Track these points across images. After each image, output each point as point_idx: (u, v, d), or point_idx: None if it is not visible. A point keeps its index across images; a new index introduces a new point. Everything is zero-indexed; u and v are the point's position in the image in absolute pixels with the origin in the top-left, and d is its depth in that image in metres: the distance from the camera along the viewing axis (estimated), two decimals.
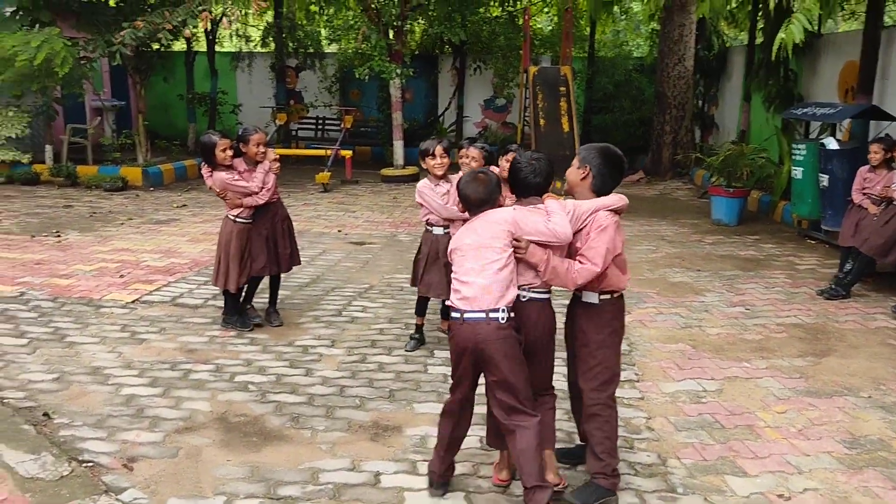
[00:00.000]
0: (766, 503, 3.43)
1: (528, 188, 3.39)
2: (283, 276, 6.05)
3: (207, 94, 16.37)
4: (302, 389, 4.63)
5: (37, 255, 7.74)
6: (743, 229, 9.59)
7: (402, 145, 14.16)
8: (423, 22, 16.19)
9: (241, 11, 12.55)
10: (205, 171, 5.55)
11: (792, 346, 5.43)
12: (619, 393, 3.71)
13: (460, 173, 5.07)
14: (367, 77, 13.20)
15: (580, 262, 3.30)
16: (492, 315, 3.18)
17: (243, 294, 5.80)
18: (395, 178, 13.76)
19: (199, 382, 4.73)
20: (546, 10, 19.09)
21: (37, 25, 11.63)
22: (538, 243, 3.28)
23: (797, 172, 8.77)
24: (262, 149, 5.55)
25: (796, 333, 5.69)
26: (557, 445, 3.88)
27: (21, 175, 12.31)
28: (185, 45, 15.79)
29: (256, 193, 5.51)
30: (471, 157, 4.96)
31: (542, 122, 13.04)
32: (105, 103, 14.59)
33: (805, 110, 8.96)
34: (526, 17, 15.10)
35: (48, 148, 12.72)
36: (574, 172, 3.46)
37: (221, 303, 5.91)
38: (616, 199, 3.41)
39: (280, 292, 6.47)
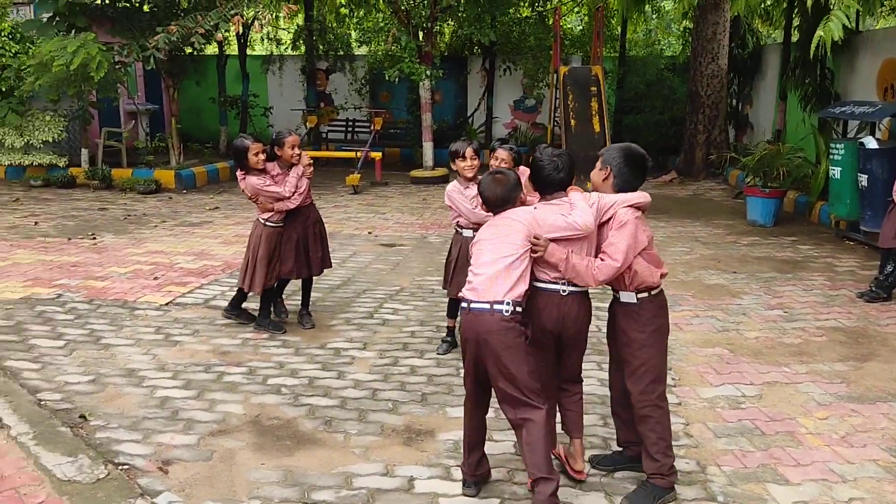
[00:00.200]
0: None
1: (552, 184, 3.40)
2: (314, 278, 6.05)
3: (239, 97, 16.51)
4: (334, 392, 4.62)
5: (73, 258, 7.84)
6: (779, 230, 9.42)
7: (432, 147, 14.15)
8: (452, 23, 16.18)
9: (272, 15, 12.66)
10: (239, 174, 5.57)
11: (832, 350, 5.30)
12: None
13: None
14: (397, 79, 13.20)
15: (601, 258, 3.31)
16: (496, 307, 3.20)
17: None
18: (425, 179, 13.75)
19: (233, 385, 4.74)
20: (577, 9, 18.96)
21: (73, 31, 11.79)
22: (559, 239, 3.30)
23: (835, 172, 8.58)
24: (296, 151, 5.55)
25: (837, 337, 5.56)
26: (593, 451, 3.84)
27: (57, 178, 12.51)
28: (216, 49, 15.96)
29: (288, 199, 5.51)
30: (500, 159, 4.91)
31: (572, 122, 12.95)
32: (139, 107, 14.77)
33: (843, 109, 8.78)
34: (556, 17, 15.04)
35: (84, 151, 12.92)
36: (597, 173, 3.48)
37: (253, 305, 5.93)
38: (638, 195, 3.39)
39: (312, 294, 6.50)
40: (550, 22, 16.80)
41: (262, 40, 18.46)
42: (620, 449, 3.70)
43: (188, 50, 13.44)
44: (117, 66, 11.91)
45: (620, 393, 3.55)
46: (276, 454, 3.88)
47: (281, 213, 5.55)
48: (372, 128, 14.71)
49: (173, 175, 12.75)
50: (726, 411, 4.32)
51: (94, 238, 8.82)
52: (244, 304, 5.87)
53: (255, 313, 5.81)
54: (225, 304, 6.35)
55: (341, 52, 17.25)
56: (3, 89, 12.01)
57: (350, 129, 17.03)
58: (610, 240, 3.31)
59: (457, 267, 5.14)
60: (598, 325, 4.75)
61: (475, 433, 3.47)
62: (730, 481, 3.56)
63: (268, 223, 5.56)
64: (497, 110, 17.68)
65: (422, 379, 4.83)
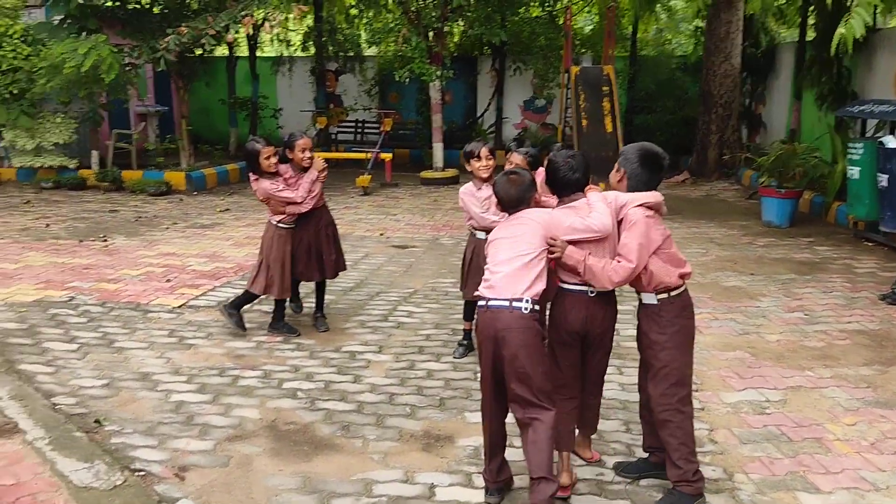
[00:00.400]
0: None
1: (569, 185, 3.40)
2: (327, 281, 5.98)
3: (248, 98, 16.48)
4: (351, 397, 4.56)
5: (85, 260, 7.81)
6: (795, 231, 9.31)
7: (442, 147, 14.08)
8: (461, 23, 16.11)
9: (282, 15, 12.61)
10: (251, 177, 5.51)
11: (856, 353, 5.20)
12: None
13: None
14: (407, 80, 13.14)
15: (617, 260, 3.28)
16: (515, 304, 3.17)
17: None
18: (435, 180, 13.68)
19: (248, 389, 4.68)
20: (587, 9, 18.86)
21: (84, 33, 11.78)
22: (578, 241, 3.28)
23: (854, 172, 8.48)
24: (307, 154, 5.47)
25: (860, 340, 5.46)
26: (616, 458, 3.77)
27: (68, 180, 12.51)
28: (226, 51, 15.93)
29: (300, 203, 5.44)
30: (514, 163, 4.84)
31: (584, 122, 12.90)
32: (149, 108, 14.76)
33: (862, 108, 8.67)
34: (567, 16, 14.95)
35: (94, 153, 12.91)
36: (613, 175, 3.49)
37: (266, 308, 5.88)
38: (648, 194, 3.34)
39: (326, 297, 6.45)
40: (561, 21, 16.71)
41: (272, 41, 18.43)
42: (646, 455, 3.63)
43: (198, 51, 13.41)
44: (127, 68, 11.89)
45: (647, 397, 3.48)
46: (294, 460, 3.82)
47: (293, 215, 5.49)
48: (382, 129, 14.65)
49: (184, 177, 12.72)
50: (751, 417, 4.24)
51: (106, 240, 8.79)
52: (247, 309, 5.83)
53: (243, 322, 5.66)
54: None
55: (351, 53, 17.19)
56: (15, 92, 11.99)
57: (359, 130, 16.99)
58: (622, 241, 3.29)
59: (471, 269, 5.08)
60: (617, 328, 4.66)
61: (495, 438, 3.41)
62: (758, 489, 3.48)
63: (280, 225, 5.50)
64: (507, 111, 17.60)
65: (439, 383, 4.77)
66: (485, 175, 4.92)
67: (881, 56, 10.29)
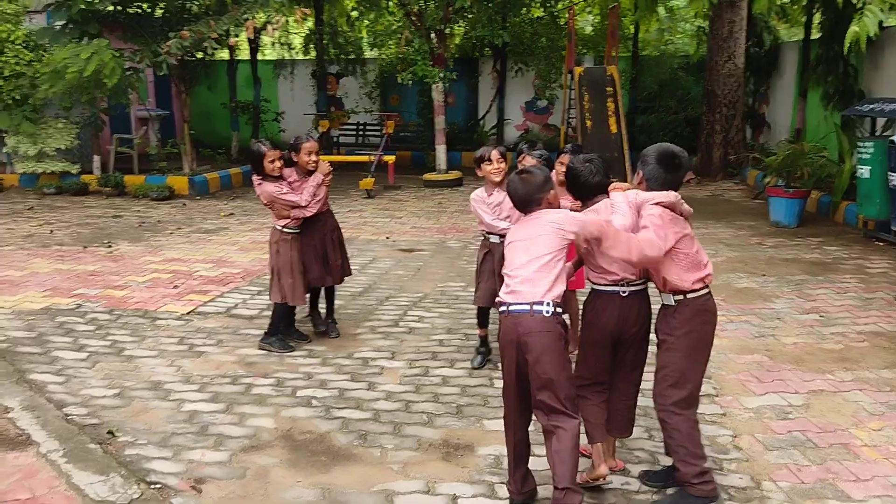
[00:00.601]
0: None
1: (591, 189, 3.40)
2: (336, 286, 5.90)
3: (250, 102, 16.41)
4: (366, 405, 4.49)
5: (90, 266, 7.74)
6: (804, 231, 9.25)
7: (445, 149, 14.02)
8: (462, 25, 16.06)
9: (284, 19, 12.56)
10: (255, 179, 5.39)
11: (876, 356, 5.14)
12: (699, 409, 3.54)
13: None
14: (410, 82, 13.09)
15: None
16: (536, 308, 3.13)
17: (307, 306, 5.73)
18: (439, 182, 13.62)
19: (261, 397, 4.62)
20: (588, 9, 18.81)
21: (85, 38, 11.71)
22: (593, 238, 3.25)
23: (864, 171, 8.42)
24: (313, 157, 5.36)
25: (879, 342, 5.40)
26: (641, 466, 3.70)
27: (70, 185, 12.44)
28: (227, 54, 15.86)
29: (304, 207, 5.34)
30: (565, 164, 4.77)
31: (588, 123, 12.85)
32: (151, 113, 14.70)
33: (872, 106, 8.61)
34: (570, 16, 14.90)
35: (96, 158, 12.85)
36: (634, 179, 3.46)
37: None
38: (665, 194, 3.28)
39: (335, 302, 6.38)
40: (563, 22, 16.67)
41: (274, 45, 18.38)
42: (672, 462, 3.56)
43: (199, 55, 13.35)
44: (129, 73, 11.83)
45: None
46: (312, 471, 3.75)
47: (298, 220, 5.39)
48: (384, 131, 14.60)
49: (186, 181, 12.65)
50: (774, 422, 4.17)
51: (110, 246, 8.72)
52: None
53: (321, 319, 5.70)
54: (247, 312, 6.26)
55: (352, 56, 17.14)
56: (18, 98, 11.93)
57: (361, 132, 16.94)
58: (640, 235, 3.24)
59: (484, 273, 5.00)
60: None
61: (520, 448, 3.35)
62: (788, 498, 3.42)
63: (285, 230, 5.39)
64: (509, 112, 17.57)
65: (455, 390, 4.70)
66: (497, 179, 4.85)
67: (889, 54, 10.23)
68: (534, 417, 3.30)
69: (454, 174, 13.84)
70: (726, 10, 13.17)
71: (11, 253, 8.33)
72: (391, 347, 5.46)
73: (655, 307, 3.47)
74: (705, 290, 3.32)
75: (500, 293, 3.30)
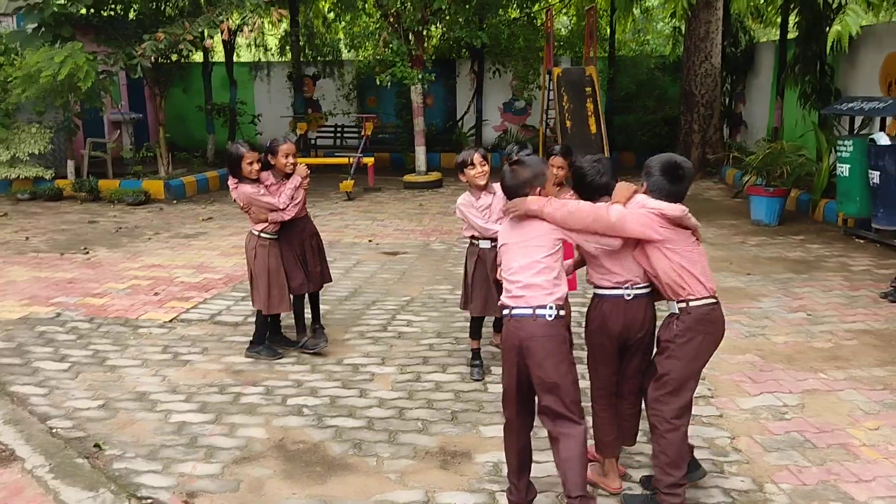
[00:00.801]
0: None
1: (597, 189, 3.36)
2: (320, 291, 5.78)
3: (226, 104, 16.20)
4: (359, 412, 4.41)
5: (68, 274, 7.57)
6: (785, 230, 9.31)
7: (424, 151, 13.95)
8: (439, 26, 16.00)
9: (260, 20, 12.41)
10: (231, 182, 5.22)
11: (867, 354, 5.16)
12: (695, 410, 3.54)
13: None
14: (389, 83, 13.01)
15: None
16: (539, 312, 3.11)
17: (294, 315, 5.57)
18: (419, 184, 13.54)
19: (251, 407, 4.52)
20: (564, 10, 18.85)
21: (58, 41, 11.48)
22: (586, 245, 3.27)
23: (843, 170, 8.50)
24: (290, 160, 5.20)
25: (868, 340, 5.42)
26: (643, 471, 3.67)
27: (44, 191, 12.20)
28: (201, 56, 15.65)
29: (283, 210, 5.18)
30: (556, 166, 4.73)
31: (568, 123, 12.85)
32: (124, 116, 14.46)
33: (850, 105, 8.68)
34: (549, 17, 14.90)
35: (70, 163, 12.60)
36: (638, 189, 3.37)
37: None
38: (675, 207, 3.22)
39: (321, 306, 6.28)
40: (540, 23, 16.67)
41: (249, 47, 18.18)
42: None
43: (174, 57, 13.16)
44: (103, 76, 11.61)
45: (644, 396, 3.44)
46: (308, 482, 3.67)
47: (276, 224, 5.22)
48: (363, 133, 14.49)
49: (162, 185, 12.45)
50: (771, 423, 4.16)
51: (88, 252, 8.54)
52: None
53: (275, 349, 5.39)
54: (232, 318, 6.16)
55: (329, 58, 17.00)
56: None
57: (339, 134, 16.81)
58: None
59: (475, 281, 4.86)
60: None
61: (523, 454, 3.29)
62: (791, 500, 3.40)
63: (262, 234, 5.21)
64: (487, 113, 17.52)
65: (449, 395, 4.64)
66: (482, 182, 4.76)
67: (864, 53, 10.34)
68: (535, 422, 3.26)
69: (434, 175, 13.77)
70: (703, 10, 13.24)
71: None
72: (381, 353, 5.39)
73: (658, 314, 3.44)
74: (710, 301, 3.25)
75: (503, 297, 3.25)
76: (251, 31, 12.50)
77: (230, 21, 12.15)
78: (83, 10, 11.62)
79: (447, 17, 14.95)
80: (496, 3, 15.37)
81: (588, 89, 13.20)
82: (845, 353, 5.20)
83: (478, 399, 4.57)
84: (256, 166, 5.11)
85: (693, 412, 3.51)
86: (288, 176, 5.23)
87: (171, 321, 6.12)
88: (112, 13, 12.49)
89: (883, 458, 3.74)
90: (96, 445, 4.00)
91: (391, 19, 13.20)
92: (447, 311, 6.28)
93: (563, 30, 19.27)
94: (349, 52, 17.51)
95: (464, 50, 17.27)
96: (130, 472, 3.76)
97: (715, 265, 7.63)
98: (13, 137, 12.03)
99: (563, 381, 3.09)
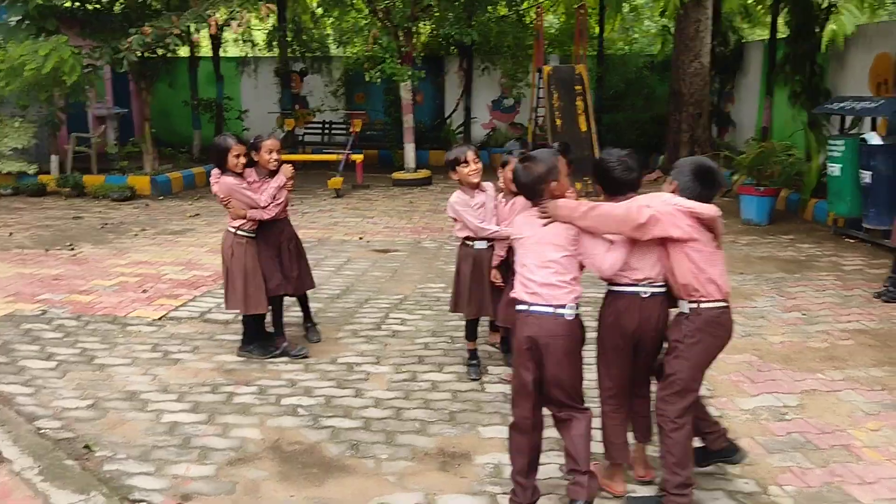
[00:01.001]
0: None
1: (623, 185, 3.30)
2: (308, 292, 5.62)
3: (212, 99, 16.04)
4: (356, 413, 4.34)
5: (53, 270, 7.43)
6: (775, 229, 9.32)
7: (414, 148, 13.87)
8: (428, 23, 15.91)
9: (248, 15, 12.28)
10: (213, 176, 5.07)
11: (863, 354, 5.15)
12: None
13: (495, 184, 4.79)
14: (378, 80, 12.91)
15: None
16: (559, 311, 3.13)
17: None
18: (408, 181, 13.47)
19: (244, 406, 4.44)
20: (553, 8, 18.81)
21: (42, 34, 11.29)
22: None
23: (834, 169, 8.50)
24: (274, 156, 5.04)
25: (863, 340, 5.41)
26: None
27: (27, 186, 12.02)
28: (188, 51, 15.48)
29: (263, 208, 5.02)
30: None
31: (558, 121, 12.81)
32: (109, 111, 14.27)
33: (842, 105, 8.69)
34: (539, 15, 14.86)
35: (53, 158, 12.41)
36: (665, 187, 3.36)
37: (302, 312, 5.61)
38: (709, 207, 3.21)
39: (313, 305, 6.21)
40: (528, 20, 16.64)
41: (237, 41, 18.01)
42: (702, 445, 3.49)
43: (160, 51, 12.99)
44: (88, 70, 11.43)
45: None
46: (305, 484, 3.59)
47: (253, 222, 5.05)
48: (351, 129, 14.39)
49: (148, 181, 12.30)
50: (772, 423, 4.13)
51: (73, 248, 8.40)
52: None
53: (267, 347, 5.26)
54: (222, 316, 6.05)
55: (318, 54, 16.87)
56: None
57: (327, 131, 16.69)
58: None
59: (472, 283, 4.71)
60: None
61: (534, 452, 3.27)
62: (796, 503, 3.36)
63: (239, 231, 5.03)
64: (475, 111, 17.48)
65: (446, 395, 4.57)
66: (476, 180, 4.64)
67: (854, 53, 10.37)
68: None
69: (423, 173, 13.71)
70: (693, 9, 13.22)
71: None
72: (375, 352, 5.31)
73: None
74: (722, 304, 3.22)
75: (520, 292, 3.22)
76: (239, 25, 12.38)
77: (218, 15, 12.00)
78: (68, 3, 11.46)
79: (436, 14, 14.87)
80: (485, 0, 15.30)
81: (578, 87, 13.17)
82: (842, 353, 5.18)
83: (476, 399, 4.51)
84: (242, 160, 4.97)
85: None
86: (272, 174, 5.09)
87: (160, 319, 6.02)
88: (97, 6, 12.31)
89: (885, 460, 3.71)
90: (86, 446, 3.90)
91: (380, 15, 13.11)
92: (441, 310, 6.21)
93: (551, 28, 19.24)
94: (337, 47, 17.39)
95: (452, 47, 17.21)
96: (122, 473, 3.66)
97: None
98: None
99: (573, 378, 3.19)
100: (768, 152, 9.61)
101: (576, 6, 15.67)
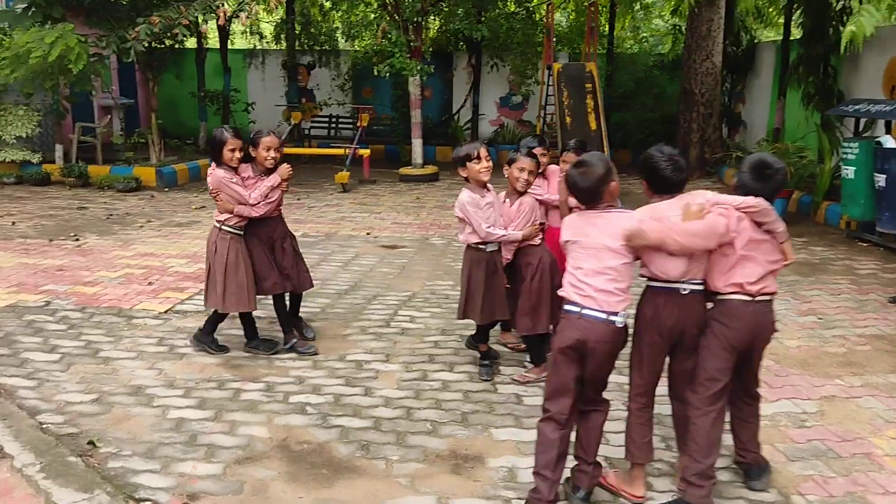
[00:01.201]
0: None
1: (672, 185, 3.28)
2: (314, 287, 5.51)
3: (219, 91, 15.93)
4: (365, 412, 4.25)
5: (57, 261, 7.35)
6: (788, 231, 9.17)
7: (421, 143, 13.77)
8: (436, 19, 15.80)
9: (256, 6, 12.19)
10: (210, 168, 4.93)
11: (881, 360, 5.05)
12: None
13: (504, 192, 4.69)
14: (387, 74, 12.80)
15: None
16: (611, 318, 3.14)
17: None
18: (415, 177, 13.37)
19: (252, 403, 4.35)
20: (563, 5, 18.68)
21: (48, 22, 11.20)
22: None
23: (848, 172, 8.38)
24: (271, 153, 4.88)
25: (881, 346, 5.31)
26: (662, 479, 3.53)
27: (31, 175, 11.93)
28: (195, 42, 15.38)
29: (252, 206, 4.86)
30: (568, 162, 4.59)
31: (568, 119, 12.69)
32: (115, 101, 14.18)
33: (857, 107, 8.58)
34: (549, 12, 14.75)
35: (58, 147, 12.32)
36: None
37: (263, 314, 5.52)
38: (758, 201, 3.22)
39: (320, 300, 6.18)
40: (538, 17, 16.51)
41: (244, 33, 17.91)
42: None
43: (168, 42, 12.89)
44: (94, 59, 11.33)
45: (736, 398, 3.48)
46: (314, 485, 3.51)
47: (241, 218, 4.89)
48: (358, 124, 14.28)
49: (154, 172, 12.21)
50: (792, 430, 4.04)
51: (78, 239, 8.31)
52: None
53: (218, 344, 5.13)
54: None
55: (326, 47, 16.76)
56: None
57: (333, 125, 16.59)
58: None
59: (484, 289, 4.49)
60: None
61: (563, 443, 3.24)
62: None
63: (224, 227, 4.87)
64: (483, 107, 17.33)
65: (457, 395, 4.48)
66: (486, 178, 4.48)
67: (869, 55, 10.24)
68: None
69: (430, 168, 13.60)
70: (706, 8, 13.11)
71: None
72: (385, 349, 5.22)
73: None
74: (743, 296, 3.22)
75: (571, 294, 3.20)
76: (248, 17, 12.28)
77: (226, 6, 11.90)
78: None
79: (446, 9, 14.75)
80: None
81: (588, 85, 13.04)
82: (859, 358, 5.09)
83: (488, 400, 4.42)
84: (238, 154, 4.83)
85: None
86: (269, 171, 4.96)
87: (165, 312, 5.93)
88: None
89: None
90: (90, 442, 3.81)
91: (390, 9, 13.01)
92: (450, 308, 6.11)
93: (560, 25, 19.12)
94: (345, 41, 17.26)
95: (461, 43, 17.08)
96: (127, 471, 3.58)
97: None
98: (0, 119, 11.74)
99: (606, 378, 3.31)
100: (781, 154, 9.49)
101: (587, 3, 15.54)
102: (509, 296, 4.64)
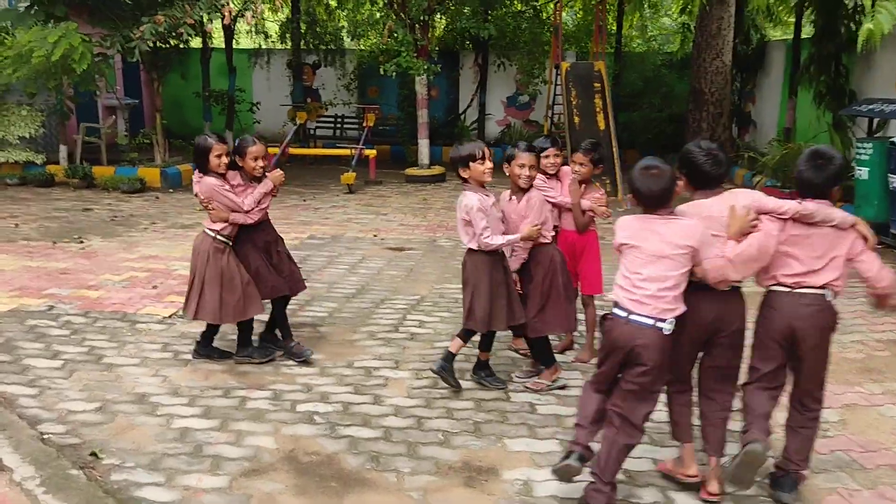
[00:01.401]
0: None
1: (712, 180, 3.26)
2: (308, 293, 5.39)
3: (224, 91, 15.84)
4: (375, 421, 4.14)
5: (61, 264, 7.26)
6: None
7: (428, 144, 13.66)
8: (443, 17, 15.70)
9: (262, 5, 12.10)
10: (195, 176, 4.83)
11: None
12: (730, 426, 3.49)
13: (506, 191, 4.56)
14: (394, 74, 12.70)
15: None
16: (659, 324, 3.12)
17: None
18: (422, 178, 13.27)
19: (258, 412, 4.24)
20: (570, 4, 18.55)
21: (51, 21, 11.12)
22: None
23: (862, 173, 8.27)
24: (259, 164, 4.79)
25: None
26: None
27: (35, 176, 11.85)
28: (200, 42, 15.29)
29: (247, 213, 4.76)
30: (578, 163, 4.55)
31: (576, 119, 12.58)
32: (119, 101, 14.10)
33: (871, 107, 8.45)
34: (557, 11, 14.63)
35: (62, 148, 12.24)
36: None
37: (267, 319, 5.40)
38: (798, 207, 3.19)
39: (327, 304, 6.08)
40: (545, 16, 16.40)
41: (249, 33, 17.82)
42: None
43: (173, 42, 12.80)
44: (98, 59, 11.25)
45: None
46: (323, 499, 3.40)
47: (235, 225, 4.80)
48: (364, 124, 14.18)
49: (158, 173, 12.15)
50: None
51: (82, 241, 8.23)
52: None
53: (219, 351, 5.03)
54: None
55: (331, 47, 16.66)
56: None
57: (339, 125, 16.49)
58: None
59: (491, 296, 4.35)
60: None
61: (603, 404, 3.30)
62: None
63: (219, 237, 4.78)
64: (490, 107, 17.26)
65: (469, 404, 4.37)
66: (490, 179, 4.35)
67: (882, 54, 10.09)
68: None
69: (437, 169, 13.50)
70: (716, 6, 12.97)
71: None
72: (393, 356, 5.12)
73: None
74: (780, 288, 3.28)
75: (621, 297, 3.18)
76: (253, 16, 12.19)
77: (232, 5, 11.81)
78: None
79: (452, 8, 14.64)
80: None
81: (597, 85, 12.93)
82: (879, 364, 4.97)
83: (500, 409, 4.30)
84: (225, 160, 4.71)
85: (728, 427, 3.47)
86: (258, 179, 4.86)
87: (170, 317, 5.83)
88: None
89: None
90: (93, 454, 3.71)
91: (396, 8, 12.90)
92: (459, 312, 5.92)
93: (567, 24, 18.99)
94: (351, 40, 17.17)
95: (468, 42, 16.99)
96: (130, 484, 3.47)
97: None
98: (2, 119, 11.71)
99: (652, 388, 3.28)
100: (793, 153, 9.37)
101: (594, 2, 15.42)
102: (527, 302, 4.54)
